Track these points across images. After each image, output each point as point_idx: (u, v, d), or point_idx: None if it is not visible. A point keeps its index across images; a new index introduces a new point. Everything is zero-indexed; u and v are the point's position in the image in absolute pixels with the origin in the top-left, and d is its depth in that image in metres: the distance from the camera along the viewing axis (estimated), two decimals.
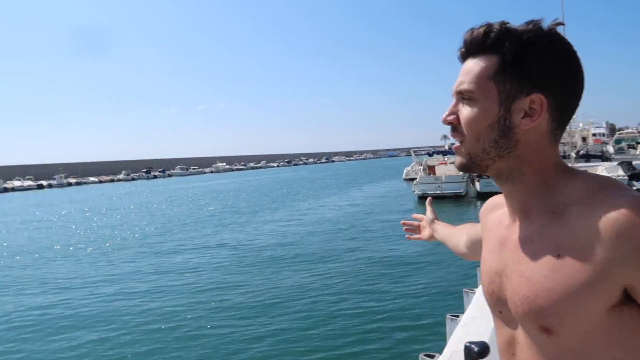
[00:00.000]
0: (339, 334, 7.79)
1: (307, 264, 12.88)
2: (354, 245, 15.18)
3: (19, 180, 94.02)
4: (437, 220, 1.61)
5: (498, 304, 0.90)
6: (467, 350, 3.36)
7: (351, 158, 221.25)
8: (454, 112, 0.87)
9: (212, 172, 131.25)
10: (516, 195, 0.86)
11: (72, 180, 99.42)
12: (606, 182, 0.79)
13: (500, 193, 0.95)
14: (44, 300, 10.96)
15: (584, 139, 47.53)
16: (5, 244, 20.76)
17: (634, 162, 29.59)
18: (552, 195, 0.82)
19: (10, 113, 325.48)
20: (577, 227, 0.75)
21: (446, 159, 32.32)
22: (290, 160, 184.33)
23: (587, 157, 33.16)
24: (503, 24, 0.81)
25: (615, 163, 28.69)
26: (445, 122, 0.88)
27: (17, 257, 17.20)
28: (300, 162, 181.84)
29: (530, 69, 0.79)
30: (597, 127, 52.70)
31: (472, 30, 0.84)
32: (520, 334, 0.84)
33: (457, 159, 0.90)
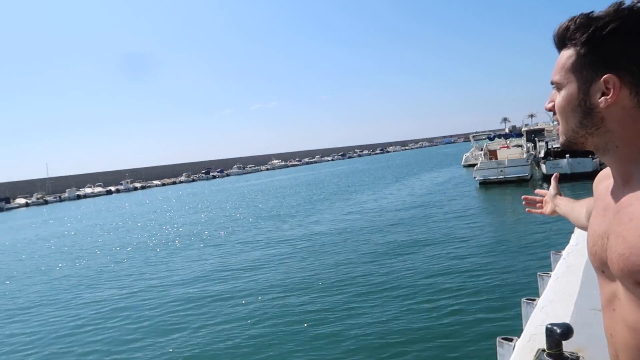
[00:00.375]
0: (415, 319, 7.83)
1: (383, 255, 12.82)
2: (420, 236, 14.97)
3: (90, 187, 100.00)
4: (560, 195, 1.63)
5: (600, 264, 0.96)
6: (549, 332, 3.13)
7: (406, 147, 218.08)
8: (552, 100, 0.99)
9: (267, 169, 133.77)
10: (616, 165, 0.94)
11: (138, 185, 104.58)
12: None
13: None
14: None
15: None
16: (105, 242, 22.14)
17: None
18: None
19: (79, 126, 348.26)
20: None
21: (508, 142, 31.18)
22: (344, 153, 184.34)
23: None
24: (583, 16, 0.90)
25: None
26: (546, 109, 1.01)
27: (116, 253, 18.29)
28: (355, 154, 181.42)
29: (600, 53, 0.87)
30: None
31: (559, 25, 0.95)
32: (620, 290, 0.90)
33: (561, 138, 1.00)
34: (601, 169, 1.09)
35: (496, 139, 33.00)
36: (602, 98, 0.88)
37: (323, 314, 8.56)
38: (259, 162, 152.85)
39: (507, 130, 45.33)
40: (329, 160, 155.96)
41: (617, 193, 0.94)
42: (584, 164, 23.68)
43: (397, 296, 9.12)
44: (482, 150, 31.35)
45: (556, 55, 0.98)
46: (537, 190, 1.75)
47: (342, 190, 36.22)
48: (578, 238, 5.76)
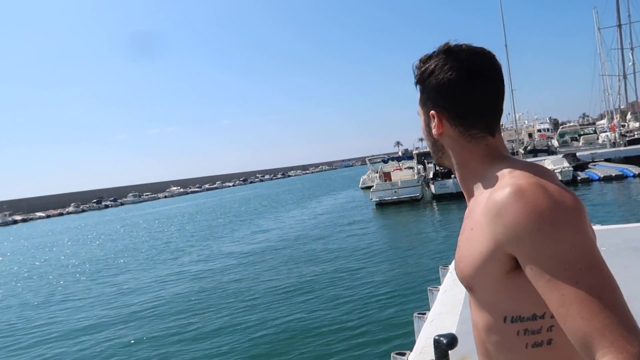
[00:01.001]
0: (309, 341, 7.75)
1: (274, 275, 12.70)
2: (317, 256, 15.13)
3: None
4: None
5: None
6: (437, 343, 3.24)
7: (307, 171, 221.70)
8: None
9: (166, 197, 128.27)
10: (461, 183, 1.06)
11: (18, 218, 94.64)
12: (518, 166, 0.92)
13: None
14: None
15: (530, 135, 49.70)
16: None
17: (577, 154, 31.22)
18: (481, 182, 0.98)
19: None
20: (482, 206, 0.91)
21: (400, 164, 32.90)
22: (246, 178, 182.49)
23: (535, 152, 34.63)
24: (425, 56, 1.03)
25: (560, 156, 30.13)
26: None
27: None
28: (257, 179, 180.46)
29: (426, 93, 1.03)
30: (541, 123, 55.21)
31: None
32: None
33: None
34: None
35: (390, 161, 34.65)
36: (434, 129, 1.03)
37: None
38: (156, 190, 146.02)
39: (400, 153, 47.92)
40: (230, 186, 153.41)
41: (466, 209, 1.07)
42: None
43: (291, 317, 9.08)
44: (377, 172, 32.76)
45: None
46: None
47: (244, 216, 35.70)
48: None
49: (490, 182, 0.93)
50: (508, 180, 0.87)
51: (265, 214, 34.81)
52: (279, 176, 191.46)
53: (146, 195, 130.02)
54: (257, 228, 25.82)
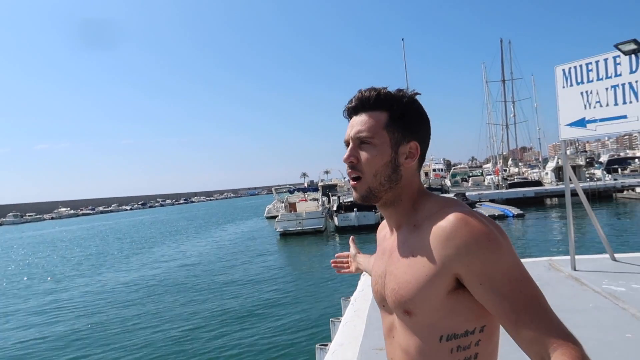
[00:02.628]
0: None
1: (168, 310, 12.09)
2: (217, 287, 14.71)
3: None
4: (360, 254, 1.75)
5: (381, 300, 1.14)
6: None
7: (211, 198, 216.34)
8: (354, 154, 1.10)
9: (53, 218, 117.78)
10: (395, 216, 1.13)
11: None
12: (448, 201, 1.07)
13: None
14: None
15: (426, 174, 52.94)
16: None
17: (466, 194, 33.90)
18: (416, 213, 1.09)
19: None
20: (426, 234, 1.00)
21: (306, 195, 33.34)
22: (145, 202, 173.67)
23: (430, 190, 36.68)
24: (385, 89, 1.09)
25: (452, 195, 32.41)
26: (347, 161, 1.11)
27: None
28: (157, 203, 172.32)
29: (409, 123, 1.08)
30: (436, 163, 59.29)
31: (363, 92, 1.10)
32: (395, 320, 1.09)
33: (356, 194, 1.12)
34: (381, 221, 1.27)
35: (296, 192, 35.01)
36: (408, 159, 1.08)
37: None
38: (42, 210, 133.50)
39: (305, 185, 48.57)
40: (127, 210, 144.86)
41: (391, 239, 1.14)
42: (369, 217, 26.71)
43: (190, 351, 8.76)
44: (283, 202, 32.93)
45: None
46: (338, 254, 1.87)
47: (140, 243, 33.76)
48: (364, 284, 6.40)
49: (427, 213, 1.04)
50: (448, 210, 0.99)
51: (164, 241, 33.24)
52: (182, 201, 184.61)
53: (29, 215, 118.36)
54: (153, 257, 24.48)
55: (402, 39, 45.02)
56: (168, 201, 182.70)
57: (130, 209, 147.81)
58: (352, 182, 1.12)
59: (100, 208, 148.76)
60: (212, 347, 8.86)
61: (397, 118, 1.07)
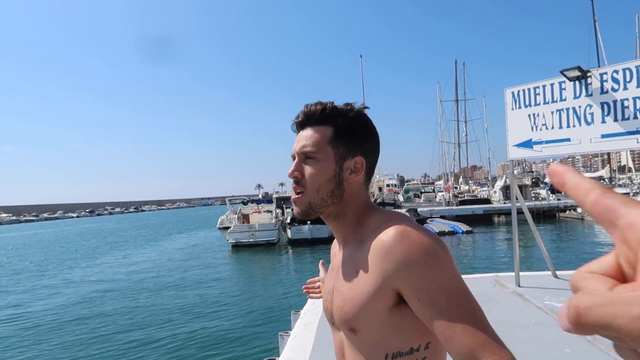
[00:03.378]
0: None
1: (113, 322, 11.58)
2: (166, 300, 14.24)
3: None
4: None
5: (330, 317, 1.12)
6: None
7: (163, 207, 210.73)
8: (299, 169, 1.08)
9: None
10: (341, 230, 1.12)
11: None
12: (393, 215, 1.05)
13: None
14: None
15: (380, 189, 53.79)
16: None
17: (418, 209, 34.61)
18: (361, 228, 1.07)
19: None
20: (368, 249, 0.99)
21: (260, 207, 33.06)
22: (93, 210, 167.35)
23: (383, 204, 37.48)
24: (332, 103, 1.08)
25: (404, 210, 33.00)
26: (292, 176, 1.09)
27: None
28: (105, 212, 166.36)
29: (355, 138, 1.08)
30: (390, 179, 60.35)
31: (309, 106, 1.09)
32: (344, 337, 1.07)
33: (297, 208, 1.10)
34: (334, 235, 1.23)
35: (250, 203, 34.68)
36: (353, 174, 1.07)
37: None
38: None
39: (260, 196, 48.26)
40: (74, 217, 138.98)
41: (339, 255, 1.13)
42: (322, 230, 26.74)
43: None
44: (236, 213, 32.49)
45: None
46: (310, 280, 1.83)
47: (85, 252, 32.37)
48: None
49: (372, 228, 1.03)
50: (390, 224, 0.97)
51: (111, 251, 32.02)
52: (132, 210, 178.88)
53: None
54: (97, 269, 23.45)
55: (361, 56, 45.82)
56: (117, 209, 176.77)
57: (77, 217, 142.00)
58: (293, 197, 1.11)
59: (45, 215, 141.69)
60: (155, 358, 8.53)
61: (343, 133, 1.07)
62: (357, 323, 0.99)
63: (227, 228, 31.45)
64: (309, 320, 5.42)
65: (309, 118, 1.09)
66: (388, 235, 0.95)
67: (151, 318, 11.90)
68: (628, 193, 39.65)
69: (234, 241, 26.93)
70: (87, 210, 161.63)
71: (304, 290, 1.81)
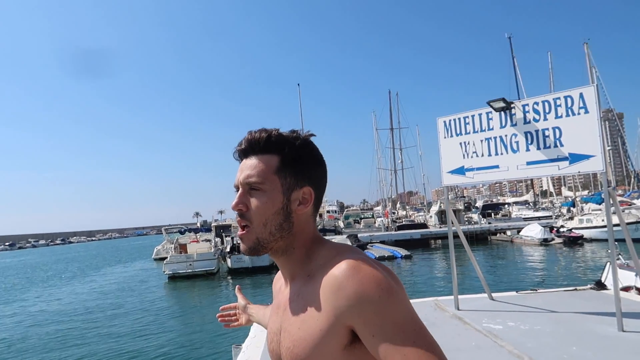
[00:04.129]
0: None
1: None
2: (94, 338, 13.36)
3: None
4: (250, 304, 1.62)
5: (277, 359, 1.03)
6: None
7: (93, 238, 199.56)
8: (243, 201, 1.01)
9: None
10: (288, 266, 1.05)
11: None
12: (342, 248, 1.00)
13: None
14: None
15: (320, 215, 54.00)
16: None
17: (359, 235, 35.02)
18: (310, 262, 1.01)
19: None
20: (318, 284, 0.93)
21: (198, 236, 32.15)
22: (13, 242, 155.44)
23: (324, 231, 37.61)
24: (277, 130, 1.02)
25: (345, 236, 33.29)
26: (236, 209, 1.02)
27: None
28: (28, 244, 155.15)
29: (302, 167, 1.02)
30: (330, 205, 60.89)
31: (253, 133, 1.02)
32: None
33: (244, 245, 1.03)
34: (276, 265, 1.14)
35: (187, 232, 33.65)
36: (301, 205, 1.01)
37: None
38: None
39: (198, 225, 47.06)
40: None
41: (286, 291, 1.06)
42: (263, 259, 26.25)
43: None
44: (173, 243, 31.36)
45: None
46: (223, 307, 1.72)
47: (5, 289, 29.91)
48: (256, 331, 6.17)
49: (322, 262, 0.98)
50: (340, 258, 0.93)
51: (31, 288, 29.79)
52: (58, 242, 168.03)
53: None
54: (17, 305, 21.81)
55: (298, 84, 46.60)
56: (42, 241, 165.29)
57: None
58: (239, 232, 1.03)
59: None
60: None
61: (289, 162, 1.01)
62: None
63: (164, 259, 30.21)
64: (251, 354, 5.26)
65: (253, 146, 1.02)
66: (340, 269, 0.90)
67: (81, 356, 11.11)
68: (550, 216, 42.34)
69: (170, 272, 25.90)
70: (7, 244, 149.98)
71: (219, 319, 1.71)
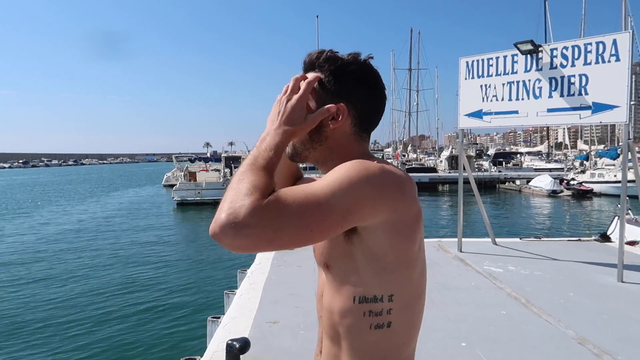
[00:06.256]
0: (97, 349, 7.09)
1: (58, 280, 11.16)
2: (105, 258, 13.88)
3: None
4: None
5: (316, 257, 1.11)
6: (229, 347, 3.26)
7: (105, 161, 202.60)
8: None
9: None
10: None
11: None
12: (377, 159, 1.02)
13: None
14: None
15: None
16: None
17: None
18: None
19: None
20: None
21: (208, 165, 32.42)
22: (27, 160, 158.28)
23: None
24: (330, 51, 1.05)
25: None
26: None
27: None
28: (41, 163, 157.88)
29: (340, 85, 1.03)
30: None
31: (310, 54, 1.07)
32: (323, 277, 1.09)
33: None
34: None
35: (197, 161, 33.90)
36: (333, 121, 1.03)
37: None
38: None
39: (208, 155, 47.24)
40: (5, 168, 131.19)
41: None
42: None
43: (79, 319, 8.31)
44: (183, 171, 31.71)
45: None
46: None
47: (20, 206, 30.80)
48: (261, 258, 6.34)
49: None
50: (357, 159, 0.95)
51: (47, 205, 30.63)
52: (70, 163, 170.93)
53: None
54: (34, 222, 22.52)
55: (317, 16, 44.98)
56: (55, 161, 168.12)
57: (10, 167, 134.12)
58: None
59: None
60: (97, 322, 8.32)
61: (328, 77, 1.03)
62: (328, 255, 1.02)
63: (173, 185, 30.72)
64: (255, 279, 5.42)
65: (308, 64, 1.07)
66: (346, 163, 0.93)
67: (90, 277, 11.58)
68: (562, 168, 41.98)
69: (179, 199, 26.38)
70: (21, 161, 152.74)
71: None
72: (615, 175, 28.98)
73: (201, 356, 3.56)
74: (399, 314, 0.99)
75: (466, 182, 7.17)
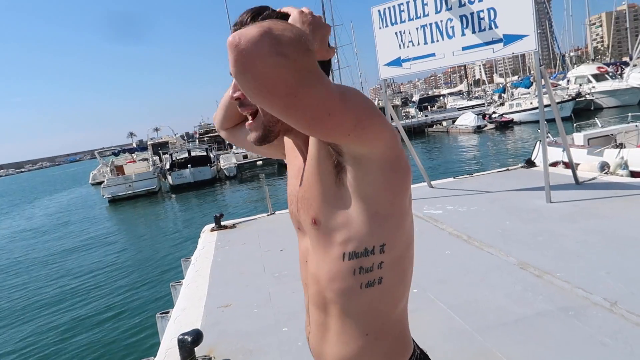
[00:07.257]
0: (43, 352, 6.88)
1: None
2: (40, 265, 13.05)
3: None
4: None
5: (296, 222, 1.07)
6: (181, 343, 3.09)
7: (22, 170, 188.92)
8: (238, 89, 0.96)
9: None
10: (298, 141, 1.04)
11: None
12: None
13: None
14: None
15: None
16: None
17: None
18: None
19: None
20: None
21: (134, 156, 31.03)
22: None
23: None
24: (268, 8, 0.95)
25: None
26: (233, 98, 0.98)
27: None
28: None
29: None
30: None
31: (243, 14, 0.94)
32: (308, 242, 1.02)
33: (254, 134, 0.98)
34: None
35: (122, 153, 32.36)
36: None
37: None
38: None
39: (134, 145, 45.20)
40: None
41: (301, 160, 1.05)
42: (205, 172, 25.97)
43: (21, 329, 7.96)
44: (109, 166, 30.18)
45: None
46: None
47: None
48: (204, 242, 6.13)
49: None
50: None
51: None
52: None
53: None
54: None
55: None
56: None
57: None
58: (247, 123, 0.99)
59: None
60: (37, 329, 7.87)
61: None
62: (317, 208, 0.95)
63: (101, 183, 29.27)
64: (201, 265, 5.24)
65: (239, 27, 0.91)
66: None
67: (27, 286, 10.88)
68: (483, 103, 43.88)
69: (109, 196, 25.19)
70: None
71: None
72: (531, 103, 30.67)
73: (154, 356, 3.39)
74: (389, 268, 0.95)
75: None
